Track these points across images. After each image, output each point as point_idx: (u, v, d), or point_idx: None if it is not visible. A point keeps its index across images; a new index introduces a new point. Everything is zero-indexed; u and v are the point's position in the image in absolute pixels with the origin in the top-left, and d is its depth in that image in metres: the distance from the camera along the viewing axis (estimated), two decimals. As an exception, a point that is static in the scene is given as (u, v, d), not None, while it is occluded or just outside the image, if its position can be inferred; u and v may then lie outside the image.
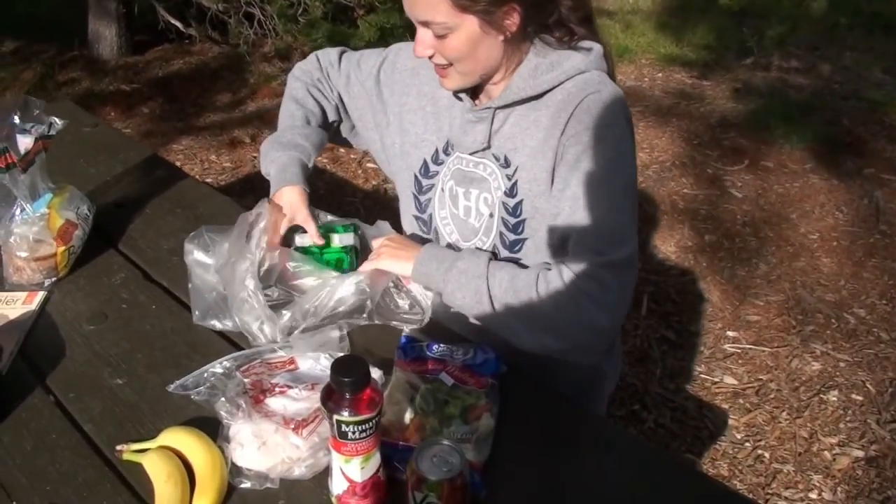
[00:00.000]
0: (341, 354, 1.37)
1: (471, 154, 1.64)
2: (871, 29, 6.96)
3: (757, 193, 4.37)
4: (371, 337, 1.56)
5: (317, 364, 1.41)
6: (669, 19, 7.15)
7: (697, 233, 3.98)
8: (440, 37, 1.46)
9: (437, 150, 1.72)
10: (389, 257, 1.64)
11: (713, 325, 3.34)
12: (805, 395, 3.00)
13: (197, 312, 1.60)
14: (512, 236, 1.62)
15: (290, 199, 1.75)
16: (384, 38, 5.46)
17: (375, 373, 1.33)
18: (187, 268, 1.66)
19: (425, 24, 1.47)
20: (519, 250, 1.62)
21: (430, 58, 1.52)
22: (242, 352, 1.47)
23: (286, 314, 1.53)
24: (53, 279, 1.77)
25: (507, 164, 1.59)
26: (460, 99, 1.65)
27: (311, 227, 1.75)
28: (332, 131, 1.95)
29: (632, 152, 1.53)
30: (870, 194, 4.38)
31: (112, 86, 5.50)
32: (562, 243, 1.52)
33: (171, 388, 1.42)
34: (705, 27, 6.84)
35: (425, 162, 1.75)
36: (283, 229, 1.73)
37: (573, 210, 1.48)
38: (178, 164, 4.43)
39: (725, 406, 2.94)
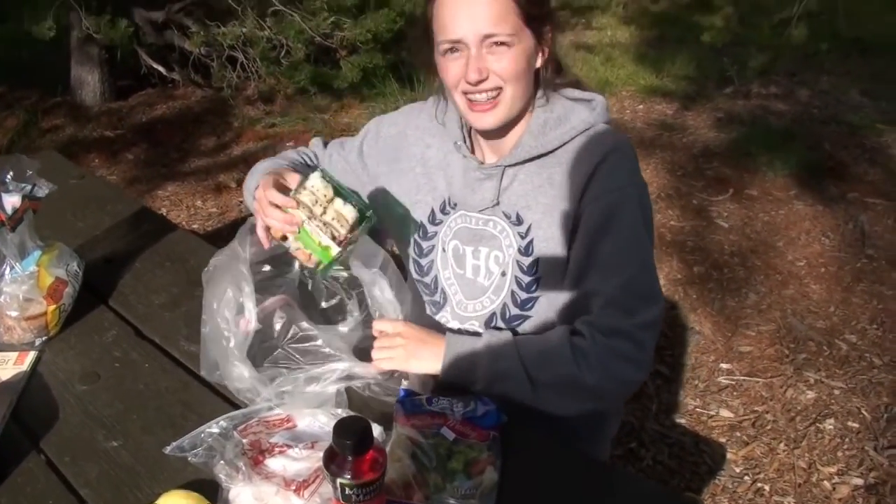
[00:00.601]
0: (341, 412, 1.36)
1: (478, 212, 1.64)
2: (848, 52, 7.04)
3: (743, 222, 4.38)
4: (369, 391, 1.54)
5: (315, 421, 1.39)
6: (648, 51, 7.20)
7: (686, 265, 3.99)
8: (497, 53, 1.48)
9: (433, 211, 1.72)
10: (411, 358, 1.53)
11: (706, 358, 3.33)
12: (801, 425, 2.99)
13: (204, 371, 1.58)
14: (524, 295, 1.61)
15: (266, 176, 1.62)
16: (367, 78, 5.49)
17: (376, 429, 1.32)
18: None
19: (487, 38, 1.47)
20: (531, 308, 1.62)
21: (481, 83, 1.51)
22: (239, 411, 1.45)
23: (273, 386, 1.49)
24: (44, 338, 1.75)
25: (519, 221, 1.59)
26: (465, 156, 1.65)
27: (292, 177, 1.58)
28: None
29: (650, 205, 1.57)
30: (854, 218, 4.40)
31: (96, 132, 5.50)
32: (585, 303, 1.53)
33: (168, 450, 1.39)
34: (684, 58, 6.89)
35: (422, 224, 1.74)
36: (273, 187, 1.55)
37: (603, 274, 1.50)
38: (163, 210, 4.42)
39: (723, 440, 2.92)
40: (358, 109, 5.83)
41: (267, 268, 1.69)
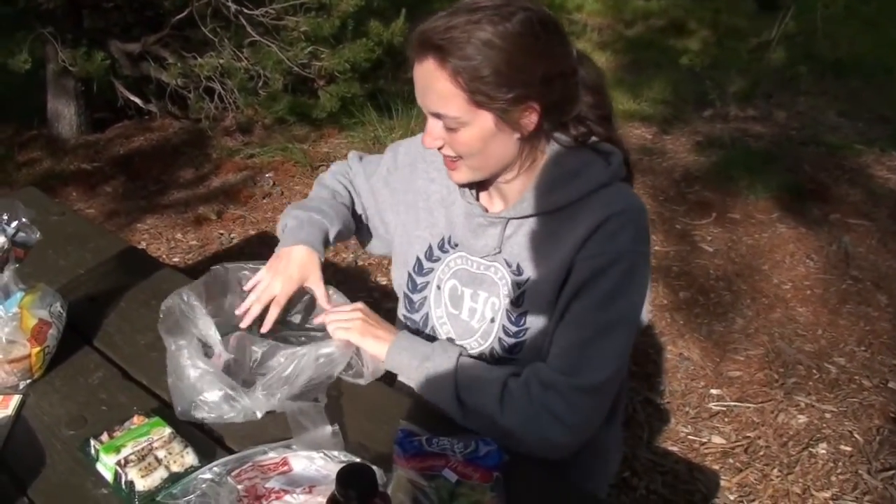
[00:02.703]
0: (337, 454, 1.33)
1: (480, 257, 1.62)
2: (824, 73, 7.10)
3: (727, 246, 4.39)
4: (365, 431, 1.51)
5: (311, 464, 1.35)
6: (625, 76, 7.23)
7: (672, 290, 3.98)
8: (451, 129, 1.43)
9: (430, 247, 1.70)
10: (367, 334, 1.61)
11: (696, 384, 3.31)
12: (794, 450, 2.97)
13: (179, 408, 1.55)
14: (511, 341, 1.59)
15: (301, 259, 1.70)
16: (345, 107, 5.47)
17: (376, 472, 1.29)
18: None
19: (437, 115, 1.44)
20: (518, 353, 1.60)
21: (440, 149, 1.49)
22: (232, 455, 1.40)
23: (258, 387, 1.51)
24: (28, 381, 1.70)
25: (519, 272, 1.56)
26: (469, 202, 1.62)
27: (319, 290, 1.70)
28: (356, 220, 1.90)
29: (641, 279, 1.51)
30: (838, 240, 4.42)
31: (73, 165, 5.43)
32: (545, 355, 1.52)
33: (160, 497, 1.35)
34: (661, 82, 6.93)
35: (418, 259, 1.72)
36: (290, 291, 1.67)
37: (564, 328, 1.48)
38: (143, 244, 4.37)
39: (716, 467, 2.90)
40: (337, 138, 5.81)
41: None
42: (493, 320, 1.61)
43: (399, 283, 1.78)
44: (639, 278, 1.49)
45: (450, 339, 1.68)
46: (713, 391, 3.28)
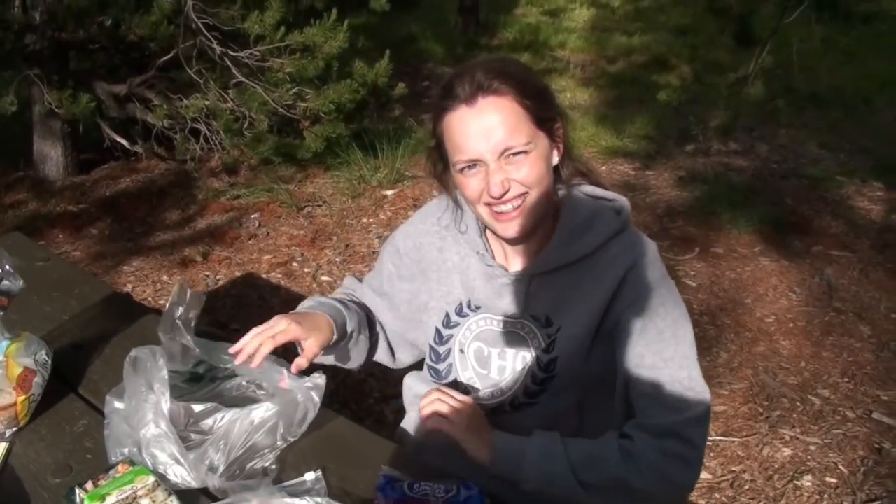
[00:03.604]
0: (321, 500, 1.34)
1: (506, 316, 1.65)
2: (804, 106, 7.18)
3: (710, 281, 4.42)
4: (347, 477, 1.52)
5: (295, 511, 1.36)
6: (608, 112, 7.31)
7: (657, 325, 3.98)
8: (516, 164, 1.48)
9: (447, 315, 1.73)
10: (469, 432, 1.55)
11: (681, 419, 3.32)
12: (779, 483, 2.98)
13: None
14: (535, 388, 1.63)
15: (315, 319, 1.69)
16: (330, 147, 5.51)
17: (358, 518, 1.30)
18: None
19: (506, 151, 1.47)
20: (537, 397, 1.63)
21: (503, 196, 1.49)
22: (218, 503, 1.41)
23: (204, 452, 1.50)
24: (14, 429, 1.70)
25: (548, 324, 1.60)
26: (488, 265, 1.65)
27: (310, 352, 1.63)
28: (373, 339, 1.90)
29: (677, 302, 1.58)
30: (820, 272, 4.45)
31: (59, 207, 5.44)
32: (627, 406, 1.56)
33: (146, 547, 1.36)
34: (643, 117, 7.00)
35: (437, 330, 1.75)
36: (293, 335, 1.61)
37: (639, 377, 1.52)
38: (129, 286, 4.37)
39: (702, 502, 2.90)
40: (322, 178, 5.84)
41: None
42: (523, 369, 1.64)
43: (426, 358, 1.82)
44: (679, 304, 1.57)
45: (477, 398, 1.69)
46: (698, 426, 3.28)
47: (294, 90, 5.20)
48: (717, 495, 2.93)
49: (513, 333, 1.64)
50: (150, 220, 5.30)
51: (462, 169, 1.52)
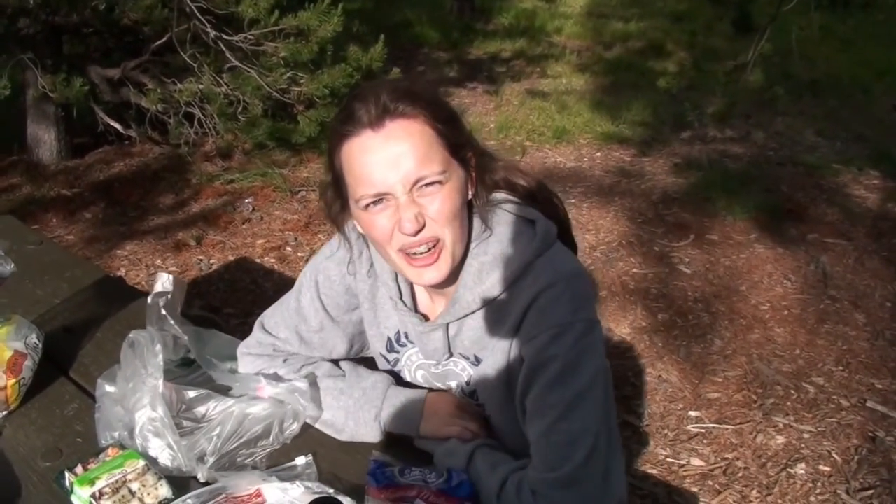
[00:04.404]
0: (311, 485, 1.33)
1: (435, 361, 1.59)
2: (802, 94, 7.17)
3: (705, 268, 4.41)
4: (338, 462, 1.52)
5: (285, 495, 1.35)
6: (604, 98, 7.29)
7: (650, 312, 3.99)
8: (430, 196, 1.34)
9: (389, 340, 1.65)
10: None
11: (675, 406, 3.32)
12: (773, 471, 2.98)
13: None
14: (477, 410, 1.60)
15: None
16: (324, 132, 5.47)
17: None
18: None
19: (418, 181, 1.33)
20: (489, 419, 1.59)
21: (417, 233, 1.35)
22: (206, 488, 1.40)
23: (196, 440, 1.50)
24: (4, 413, 1.70)
25: (477, 361, 1.53)
26: (405, 313, 1.56)
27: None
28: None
29: (592, 346, 1.40)
30: (815, 260, 4.45)
31: (53, 191, 5.42)
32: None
33: (134, 530, 1.35)
34: (640, 104, 6.99)
35: (383, 355, 1.69)
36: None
37: (530, 421, 1.41)
38: (122, 270, 4.36)
39: (695, 489, 2.90)
40: (316, 163, 5.82)
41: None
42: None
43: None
44: (588, 345, 1.39)
45: None
46: (692, 413, 3.29)
47: (288, 74, 5.16)
48: (709, 482, 2.93)
49: (447, 371, 1.59)
50: (143, 204, 5.28)
51: (367, 205, 1.37)
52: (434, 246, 1.37)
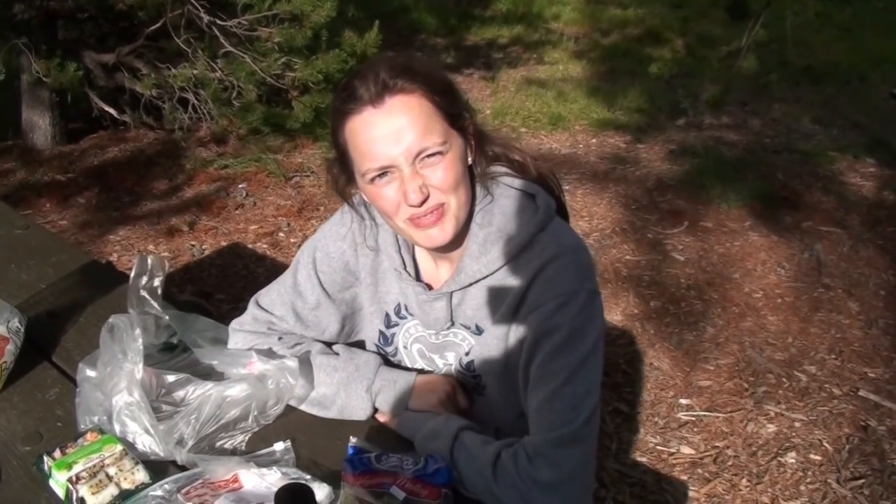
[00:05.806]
0: (288, 471, 1.32)
1: (436, 330, 1.62)
2: (798, 80, 7.15)
3: (699, 255, 4.40)
4: (317, 448, 1.51)
5: (262, 481, 1.35)
6: (600, 84, 7.27)
7: (643, 299, 3.99)
8: (432, 166, 1.40)
9: (387, 315, 1.69)
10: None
11: (665, 394, 3.32)
12: (763, 460, 2.98)
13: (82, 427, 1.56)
14: (473, 382, 1.63)
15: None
16: (319, 117, 5.46)
17: (324, 489, 1.29)
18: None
19: (420, 153, 1.39)
20: (483, 390, 1.62)
21: (422, 204, 1.41)
22: (183, 473, 1.40)
23: (174, 424, 1.50)
24: (-15, 397, 1.70)
25: (479, 331, 1.56)
26: (408, 282, 1.60)
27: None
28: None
29: (595, 314, 1.46)
30: (810, 248, 4.44)
31: (47, 176, 5.40)
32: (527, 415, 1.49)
33: (111, 515, 1.34)
34: (636, 91, 6.97)
35: (381, 332, 1.72)
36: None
37: (533, 389, 1.45)
38: (115, 255, 4.35)
39: (684, 477, 2.90)
40: (311, 149, 5.81)
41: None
42: (456, 368, 1.64)
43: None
44: (591, 313, 1.46)
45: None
46: (682, 401, 3.28)
47: (282, 60, 5.16)
48: (699, 470, 2.93)
49: (446, 341, 1.62)
50: (137, 189, 5.26)
51: (373, 179, 1.43)
52: (439, 210, 1.43)
